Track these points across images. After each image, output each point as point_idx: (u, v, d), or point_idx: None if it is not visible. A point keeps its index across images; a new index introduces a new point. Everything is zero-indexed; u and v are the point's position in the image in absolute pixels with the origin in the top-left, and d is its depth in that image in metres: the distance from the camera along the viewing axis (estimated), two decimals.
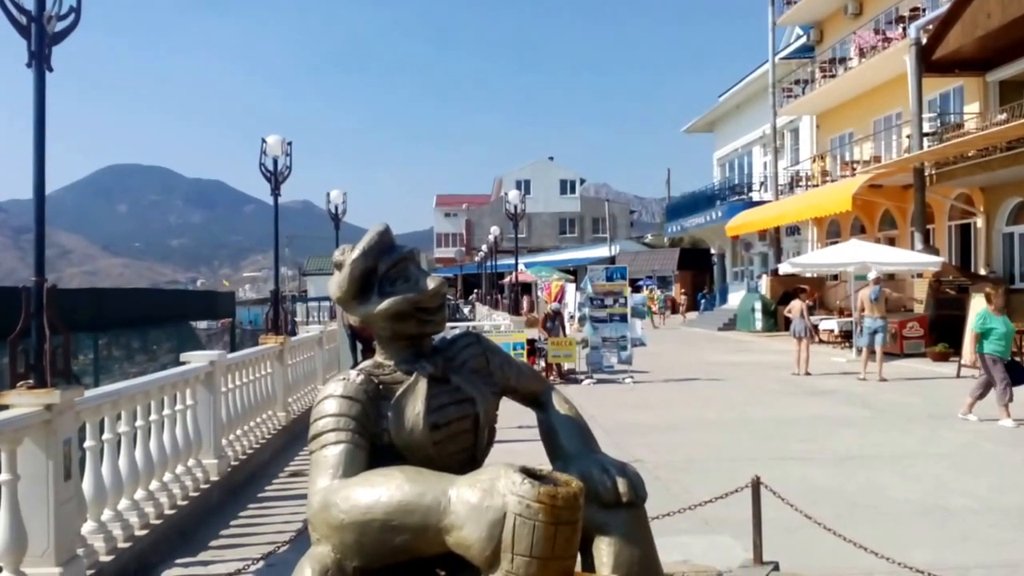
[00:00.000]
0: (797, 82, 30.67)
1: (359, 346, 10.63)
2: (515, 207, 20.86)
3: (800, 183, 30.25)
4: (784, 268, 23.78)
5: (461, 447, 2.54)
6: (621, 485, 2.44)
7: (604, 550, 2.38)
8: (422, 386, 2.50)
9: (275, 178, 11.05)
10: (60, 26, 4.47)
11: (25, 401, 4.39)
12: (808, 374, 15.76)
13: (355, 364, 9.38)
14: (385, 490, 2.11)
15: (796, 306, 16.44)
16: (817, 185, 27.96)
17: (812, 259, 22.60)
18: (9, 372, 4.47)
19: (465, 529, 1.97)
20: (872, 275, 16.45)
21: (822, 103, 28.81)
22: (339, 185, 19.22)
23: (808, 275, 24.38)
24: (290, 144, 11.25)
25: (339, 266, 2.60)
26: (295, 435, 10.11)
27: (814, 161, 29.65)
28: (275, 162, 11.05)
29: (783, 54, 32.36)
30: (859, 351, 16.26)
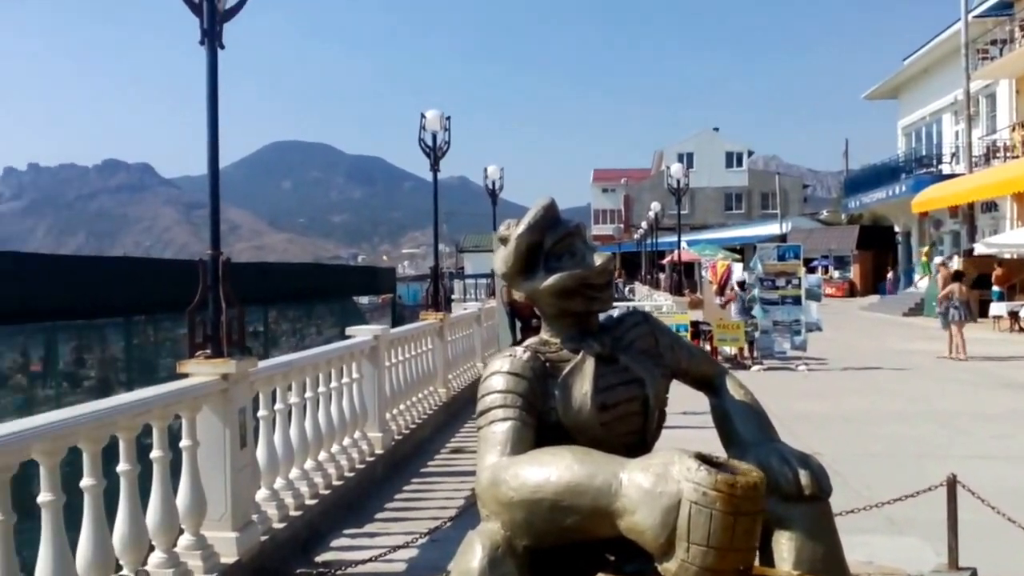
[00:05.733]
0: (994, 42, 28.03)
1: (518, 324, 10.58)
2: (677, 181, 20.19)
3: (997, 154, 27.70)
4: (979, 248, 21.76)
5: (630, 429, 2.49)
6: (803, 477, 2.31)
7: (785, 545, 2.27)
8: (589, 365, 2.46)
9: (434, 153, 11.08)
10: (230, 3, 4.59)
11: (203, 370, 4.58)
12: (960, 359, 15.19)
13: (514, 341, 9.34)
14: (555, 469, 2.09)
15: (956, 289, 15.97)
16: (1017, 156, 25.46)
17: (1011, 239, 20.55)
18: (188, 342, 4.67)
19: (638, 514, 1.93)
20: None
21: (1023, 65, 26.09)
22: (496, 161, 19.20)
23: (1007, 255, 22.23)
24: (448, 119, 11.24)
25: (504, 241, 2.58)
26: (455, 412, 10.24)
27: (1013, 130, 27.01)
28: (434, 137, 11.08)
29: (977, 11, 29.50)
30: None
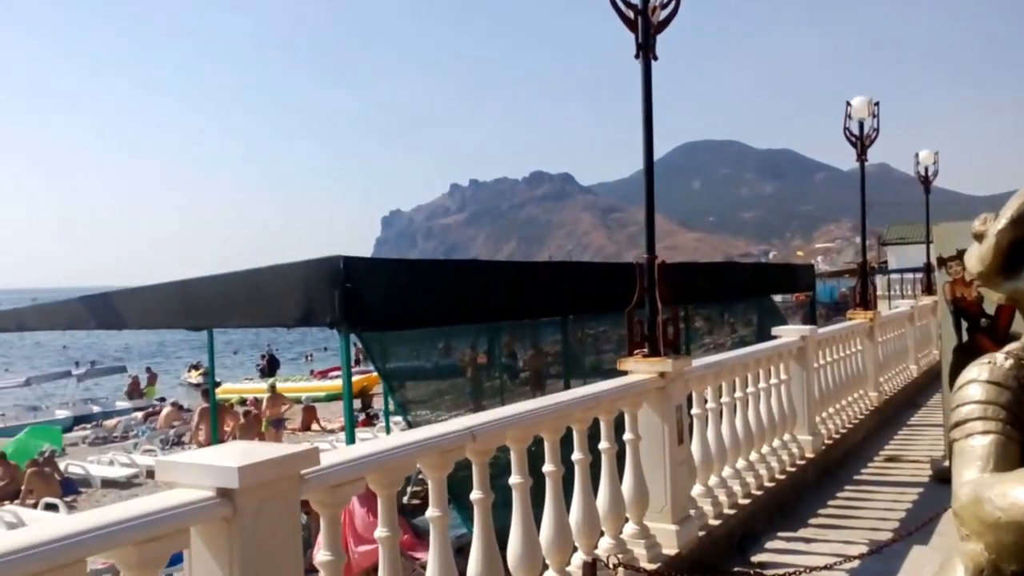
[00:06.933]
0: None
1: (963, 324, 9.48)
2: None
3: None
4: None
5: None
6: None
7: None
8: None
9: (861, 143, 10.45)
10: (662, 15, 4.78)
11: (642, 368, 4.86)
12: None
13: (959, 343, 8.37)
14: None
15: None
16: None
17: None
18: (628, 341, 4.98)
19: None
20: None
21: None
22: (920, 144, 17.40)
23: None
24: (877, 105, 10.54)
25: (979, 237, 2.34)
26: (888, 417, 9.57)
27: None
28: (861, 125, 10.46)
29: None
30: None
